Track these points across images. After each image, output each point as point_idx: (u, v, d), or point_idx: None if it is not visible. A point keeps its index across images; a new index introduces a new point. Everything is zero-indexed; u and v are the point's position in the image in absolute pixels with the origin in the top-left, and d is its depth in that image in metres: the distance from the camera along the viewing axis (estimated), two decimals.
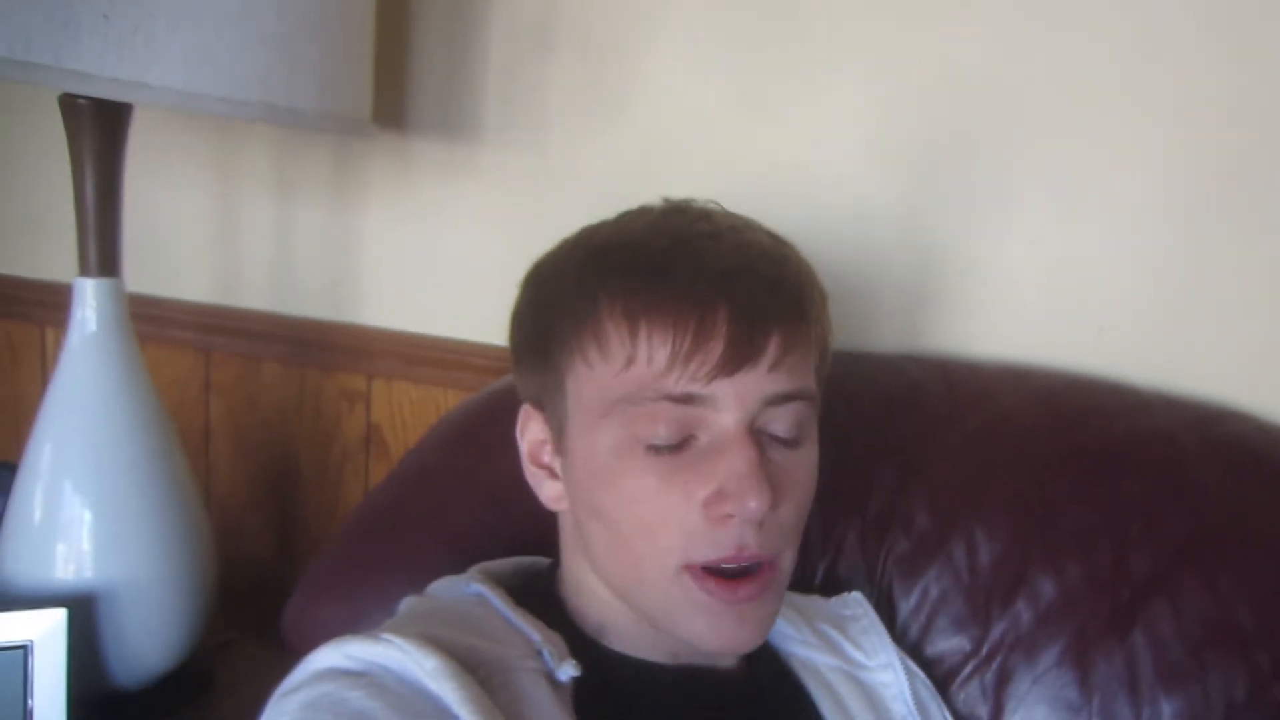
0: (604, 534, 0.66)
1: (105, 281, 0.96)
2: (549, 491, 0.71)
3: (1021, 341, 1.04)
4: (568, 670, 0.63)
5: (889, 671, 0.79)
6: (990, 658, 0.84)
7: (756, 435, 0.64)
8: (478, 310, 1.20)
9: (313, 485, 1.30)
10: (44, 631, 0.89)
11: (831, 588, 0.87)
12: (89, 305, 0.95)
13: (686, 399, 0.62)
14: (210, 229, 1.32)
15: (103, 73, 0.81)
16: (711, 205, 0.69)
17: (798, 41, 1.07)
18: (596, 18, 1.13)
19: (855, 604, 0.83)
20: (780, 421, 0.65)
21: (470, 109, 1.20)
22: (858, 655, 0.79)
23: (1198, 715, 0.79)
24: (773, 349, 0.63)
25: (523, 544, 0.81)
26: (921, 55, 1.03)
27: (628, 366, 0.63)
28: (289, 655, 0.62)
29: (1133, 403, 0.94)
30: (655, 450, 0.63)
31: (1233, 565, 0.83)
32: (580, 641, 0.68)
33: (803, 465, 0.67)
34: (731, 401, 0.63)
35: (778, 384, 0.63)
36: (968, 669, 0.85)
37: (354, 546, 0.92)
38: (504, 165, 1.19)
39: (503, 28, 1.17)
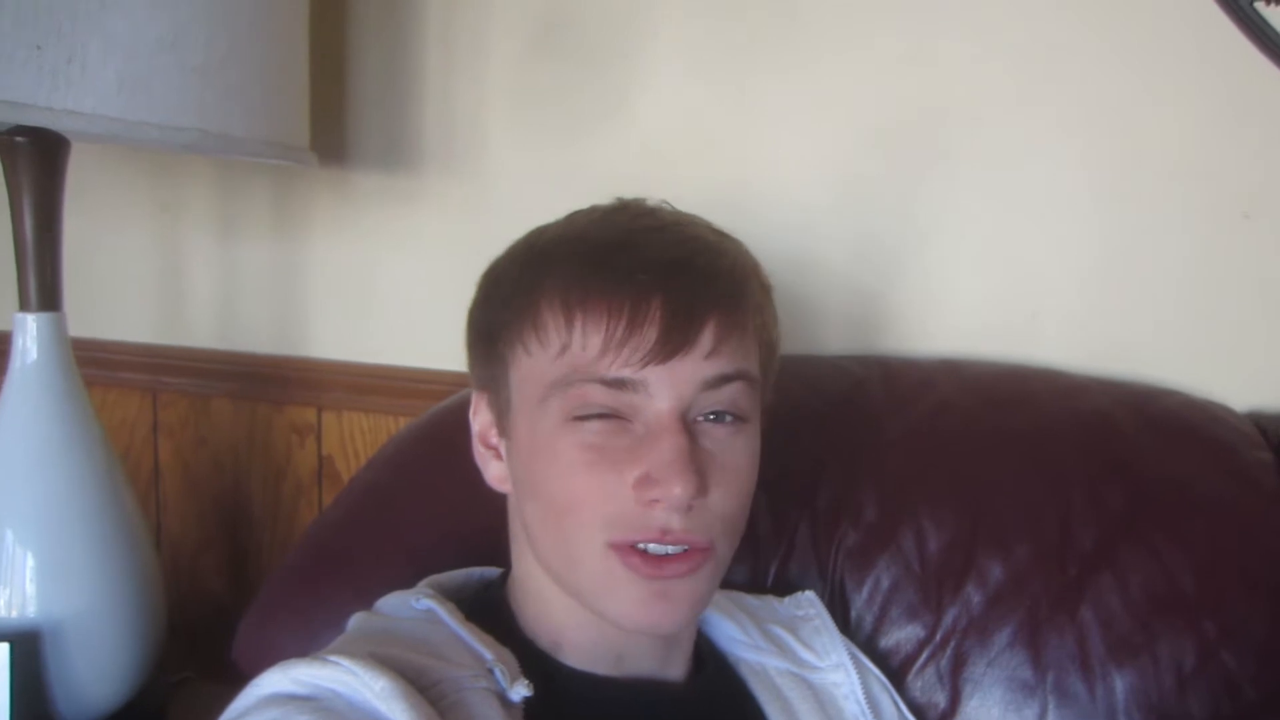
0: (539, 512, 0.67)
1: (46, 316, 0.96)
2: (494, 472, 0.73)
3: (958, 333, 1.06)
4: (519, 690, 0.63)
5: (840, 671, 0.79)
6: (944, 644, 0.85)
7: (690, 423, 0.64)
8: (425, 338, 1.21)
9: (266, 521, 1.28)
10: None
11: (784, 586, 0.87)
12: (30, 337, 0.95)
13: (618, 384, 0.63)
14: (153, 268, 1.32)
15: (37, 102, 0.81)
16: (658, 202, 0.71)
17: (746, 66, 1.10)
18: (535, 48, 1.15)
19: (808, 604, 0.84)
20: (720, 404, 0.65)
21: (410, 139, 1.21)
22: (809, 656, 0.79)
23: (1149, 685, 0.80)
24: (708, 337, 0.64)
25: (476, 553, 0.80)
26: (868, 76, 1.07)
27: (562, 353, 0.64)
28: (242, 687, 0.61)
29: (1067, 385, 0.96)
30: (583, 421, 0.64)
31: (1174, 536, 0.84)
32: (532, 657, 0.68)
33: (742, 451, 0.67)
34: (665, 389, 0.63)
35: (716, 367, 0.64)
36: (923, 657, 0.85)
37: (306, 566, 0.91)
38: (445, 194, 1.21)
39: (439, 58, 1.19)
